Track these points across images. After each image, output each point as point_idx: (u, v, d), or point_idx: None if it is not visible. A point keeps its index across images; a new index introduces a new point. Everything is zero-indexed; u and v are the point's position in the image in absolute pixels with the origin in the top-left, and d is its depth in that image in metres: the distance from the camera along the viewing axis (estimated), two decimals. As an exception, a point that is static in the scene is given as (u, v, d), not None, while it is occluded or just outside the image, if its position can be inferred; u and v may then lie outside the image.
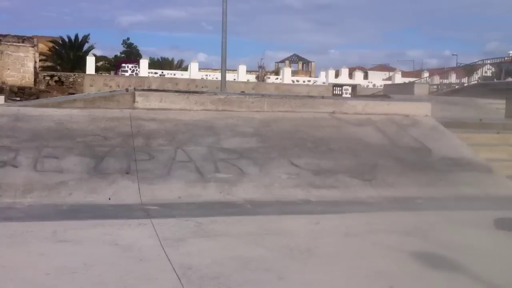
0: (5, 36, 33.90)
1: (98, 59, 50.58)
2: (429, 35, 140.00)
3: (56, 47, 50.60)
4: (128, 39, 67.30)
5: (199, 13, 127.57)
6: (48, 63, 49.15)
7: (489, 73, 28.86)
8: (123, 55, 63.43)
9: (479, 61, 28.38)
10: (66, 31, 50.89)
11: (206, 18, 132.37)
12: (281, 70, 50.93)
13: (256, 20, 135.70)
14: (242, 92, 15.86)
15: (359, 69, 53.87)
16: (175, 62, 62.23)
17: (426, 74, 42.17)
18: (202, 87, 35.53)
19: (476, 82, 25.93)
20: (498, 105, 15.64)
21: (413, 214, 6.22)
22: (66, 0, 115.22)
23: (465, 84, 26.85)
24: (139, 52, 63.45)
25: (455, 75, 32.23)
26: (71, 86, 37.90)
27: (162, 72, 47.06)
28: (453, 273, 4.07)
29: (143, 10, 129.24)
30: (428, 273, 4.09)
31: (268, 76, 50.65)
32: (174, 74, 47.21)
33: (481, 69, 28.09)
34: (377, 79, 50.44)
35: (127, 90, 9.66)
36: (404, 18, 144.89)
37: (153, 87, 30.92)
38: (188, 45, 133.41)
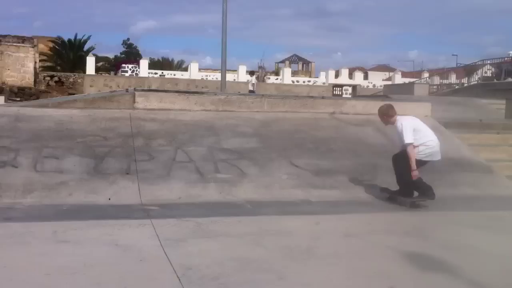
0: (5, 36, 33.89)
1: (98, 59, 50.57)
2: (429, 38, 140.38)
3: (57, 47, 50.60)
4: (128, 39, 67.37)
5: (205, 19, 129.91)
6: (48, 64, 49.18)
7: (489, 74, 28.83)
8: (123, 55, 63.44)
9: (479, 61, 28.33)
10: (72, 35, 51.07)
11: (212, 23, 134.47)
12: (281, 71, 50.92)
13: (261, 26, 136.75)
14: (239, 93, 15.84)
15: (359, 70, 53.88)
16: (175, 63, 62.25)
17: (426, 75, 42.14)
18: (202, 87, 35.54)
19: (476, 82, 25.91)
20: (498, 105, 15.63)
21: (413, 214, 6.22)
22: (76, 5, 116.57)
23: (465, 85, 26.84)
24: (139, 52, 63.52)
25: (455, 75, 32.23)
26: (71, 86, 37.91)
27: (162, 73, 47.07)
28: (453, 273, 4.07)
29: (154, 16, 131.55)
30: (428, 273, 4.09)
31: (268, 76, 50.65)
32: (174, 75, 47.22)
33: (481, 70, 28.06)
34: (377, 80, 50.48)
35: (127, 90, 9.67)
36: (405, 21, 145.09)
37: (153, 87, 30.94)
38: (196, 48, 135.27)
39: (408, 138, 6.43)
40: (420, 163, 6.53)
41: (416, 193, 6.65)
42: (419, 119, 6.93)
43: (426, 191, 6.50)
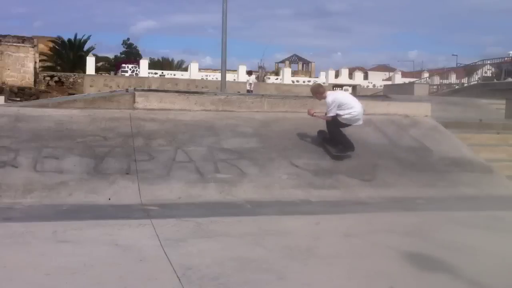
0: (5, 36, 33.88)
1: (98, 59, 50.57)
2: (429, 38, 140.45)
3: (57, 47, 50.58)
4: (128, 39, 67.38)
5: (205, 19, 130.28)
6: (48, 64, 49.16)
7: (489, 74, 28.83)
8: (123, 55, 63.45)
9: (479, 61, 28.31)
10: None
11: (212, 24, 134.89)
12: (281, 71, 50.94)
13: (261, 26, 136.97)
14: (238, 93, 15.85)
15: (359, 70, 53.89)
16: (175, 63, 62.23)
17: (426, 75, 42.14)
18: (202, 87, 35.54)
19: (476, 82, 25.90)
20: (498, 105, 15.63)
21: (413, 214, 6.22)
22: (76, 5, 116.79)
23: (465, 85, 26.83)
24: (139, 52, 63.53)
25: (455, 75, 32.21)
26: (71, 86, 37.91)
27: (162, 73, 47.09)
28: (453, 273, 4.07)
29: (154, 16, 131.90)
30: (428, 273, 4.09)
31: (268, 76, 50.65)
32: (174, 75, 47.23)
33: (481, 70, 28.05)
34: (377, 80, 50.51)
35: (127, 90, 9.67)
36: (405, 21, 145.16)
37: (153, 87, 30.92)
38: (196, 48, 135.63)
39: (331, 112, 8.01)
40: (346, 124, 8.15)
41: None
42: (345, 92, 8.91)
43: (347, 146, 8.13)
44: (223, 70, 17.78)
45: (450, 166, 8.35)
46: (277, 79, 48.77)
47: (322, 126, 8.29)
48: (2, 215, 5.31)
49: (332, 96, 8.18)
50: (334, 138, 8.20)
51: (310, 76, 53.86)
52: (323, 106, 9.94)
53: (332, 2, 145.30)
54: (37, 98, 27.68)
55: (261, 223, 5.48)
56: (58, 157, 6.90)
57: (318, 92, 8.40)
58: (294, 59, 60.71)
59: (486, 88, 21.89)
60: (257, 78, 48.77)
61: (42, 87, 36.09)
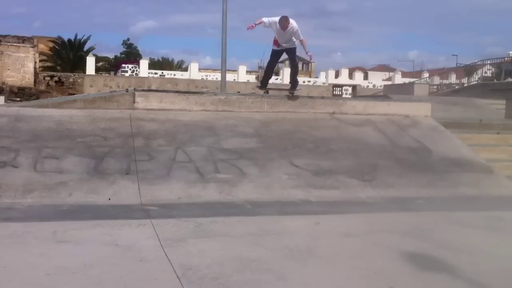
0: (5, 36, 33.90)
1: (98, 59, 50.55)
2: (429, 38, 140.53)
3: (56, 47, 50.52)
4: (128, 39, 67.40)
5: (205, 19, 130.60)
6: (48, 64, 49.13)
7: (489, 74, 28.85)
8: (123, 55, 63.44)
9: (479, 61, 28.34)
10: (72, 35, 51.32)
11: (212, 23, 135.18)
12: (281, 71, 50.91)
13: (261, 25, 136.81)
14: (239, 93, 15.85)
15: (359, 70, 53.89)
16: (175, 63, 62.20)
17: (426, 75, 42.16)
18: (202, 87, 35.56)
19: (476, 82, 25.90)
20: (498, 105, 15.62)
21: (413, 214, 6.23)
22: (76, 5, 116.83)
23: (465, 85, 26.82)
24: (139, 52, 63.54)
25: (455, 75, 32.23)
26: (71, 86, 37.94)
27: (162, 73, 47.09)
28: (453, 273, 4.07)
29: (154, 16, 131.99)
30: (428, 273, 4.09)
31: (268, 76, 50.55)
32: (174, 75, 47.23)
33: (481, 70, 28.07)
34: (377, 80, 50.50)
35: (127, 90, 9.65)
36: (405, 21, 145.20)
37: (153, 87, 30.96)
38: (196, 48, 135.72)
39: (302, 36, 9.39)
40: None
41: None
42: None
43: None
44: (223, 70, 17.76)
45: (450, 166, 8.36)
46: (277, 79, 48.71)
47: (324, 125, 8.28)
48: (2, 215, 5.31)
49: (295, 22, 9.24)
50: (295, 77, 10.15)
51: (310, 76, 53.81)
52: (322, 105, 9.97)
53: (332, 2, 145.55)
54: (37, 98, 27.71)
55: (261, 223, 5.48)
56: (58, 157, 6.90)
57: (287, 22, 9.15)
58: (294, 59, 60.53)
59: (486, 88, 21.87)
60: (257, 78, 48.83)
61: (42, 87, 36.12)
